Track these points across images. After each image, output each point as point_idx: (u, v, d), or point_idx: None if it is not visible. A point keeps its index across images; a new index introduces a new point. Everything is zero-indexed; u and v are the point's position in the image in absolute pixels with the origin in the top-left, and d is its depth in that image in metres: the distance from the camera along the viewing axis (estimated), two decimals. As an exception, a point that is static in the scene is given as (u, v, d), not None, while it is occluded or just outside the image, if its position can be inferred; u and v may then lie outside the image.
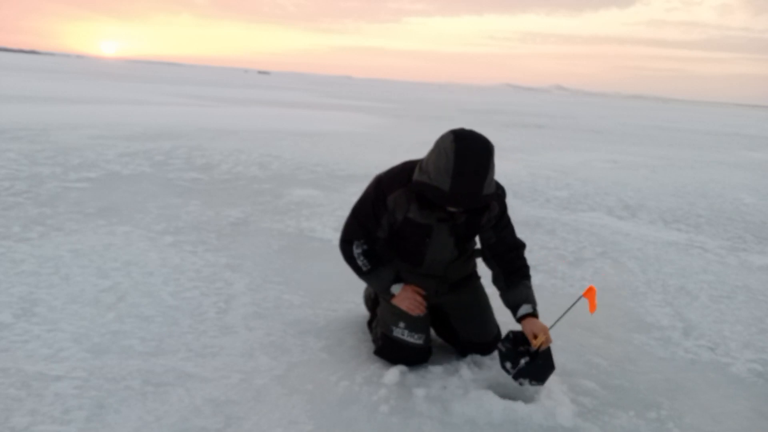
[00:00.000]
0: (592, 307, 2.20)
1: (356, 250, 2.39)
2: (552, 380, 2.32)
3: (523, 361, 2.18)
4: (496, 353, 2.48)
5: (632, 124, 24.51)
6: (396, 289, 2.39)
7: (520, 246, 2.44)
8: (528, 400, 2.22)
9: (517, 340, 2.26)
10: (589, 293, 2.20)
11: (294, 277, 3.40)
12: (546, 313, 2.54)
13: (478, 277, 2.64)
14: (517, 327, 2.38)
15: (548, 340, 2.21)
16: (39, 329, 2.49)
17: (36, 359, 2.26)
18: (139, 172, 6.08)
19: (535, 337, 2.21)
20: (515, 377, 2.20)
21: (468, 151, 2.00)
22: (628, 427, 2.14)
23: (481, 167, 2.01)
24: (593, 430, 2.10)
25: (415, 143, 10.84)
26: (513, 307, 2.35)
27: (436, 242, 2.36)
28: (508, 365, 2.21)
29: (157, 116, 12.13)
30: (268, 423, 1.99)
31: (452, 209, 2.18)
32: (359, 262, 2.39)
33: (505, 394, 2.24)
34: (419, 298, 2.40)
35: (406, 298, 2.39)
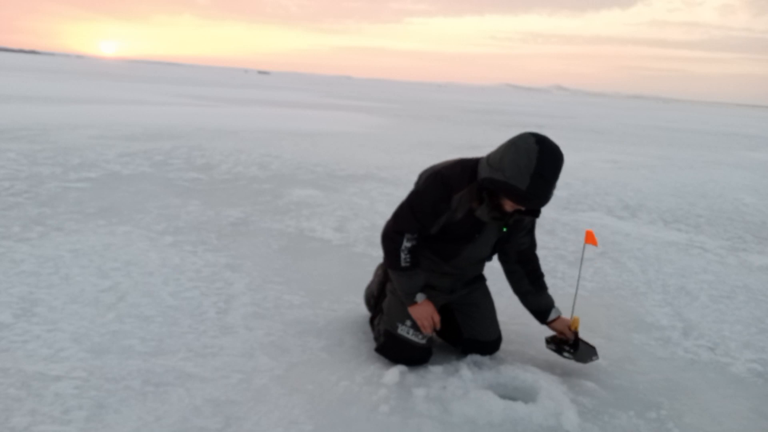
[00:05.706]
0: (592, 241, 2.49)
1: (405, 243, 2.34)
2: (552, 380, 2.33)
3: (571, 349, 2.48)
4: (496, 353, 2.57)
5: (632, 124, 24.51)
6: (420, 298, 2.40)
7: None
8: (528, 400, 2.22)
9: (557, 341, 2.52)
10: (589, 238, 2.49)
11: (294, 277, 3.40)
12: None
13: (484, 278, 2.67)
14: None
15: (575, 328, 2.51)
16: (39, 329, 2.49)
17: (36, 359, 2.26)
18: (139, 172, 6.08)
19: (569, 327, 2.49)
20: (578, 359, 2.46)
21: (550, 155, 2.06)
22: (628, 427, 2.15)
23: (557, 172, 2.09)
24: (593, 430, 2.10)
25: (415, 143, 10.84)
26: (543, 311, 2.53)
27: (482, 240, 2.39)
28: (567, 355, 2.47)
29: (157, 116, 12.13)
30: (268, 423, 1.99)
31: (511, 209, 2.20)
32: (402, 256, 2.35)
33: (505, 394, 2.24)
34: (436, 319, 2.40)
35: (425, 312, 2.39)
